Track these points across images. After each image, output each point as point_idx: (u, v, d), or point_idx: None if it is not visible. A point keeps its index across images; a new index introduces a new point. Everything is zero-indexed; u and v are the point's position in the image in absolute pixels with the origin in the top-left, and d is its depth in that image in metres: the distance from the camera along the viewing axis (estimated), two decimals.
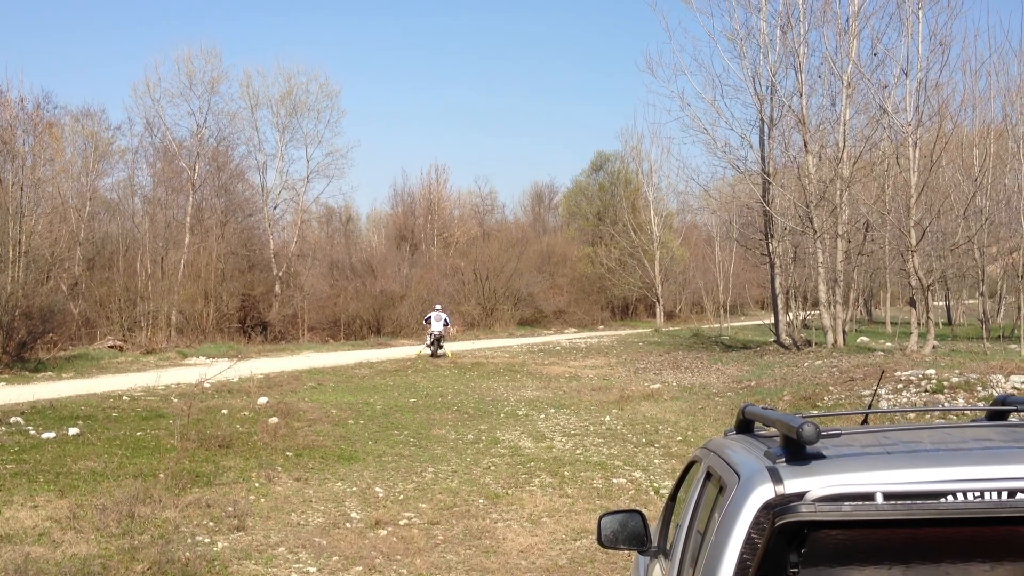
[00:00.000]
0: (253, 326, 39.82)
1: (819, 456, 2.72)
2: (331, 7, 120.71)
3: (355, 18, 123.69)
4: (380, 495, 10.40)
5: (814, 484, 2.54)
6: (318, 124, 51.60)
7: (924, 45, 24.76)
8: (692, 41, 66.82)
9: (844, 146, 26.93)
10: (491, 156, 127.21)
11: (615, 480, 11.49)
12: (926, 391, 15.64)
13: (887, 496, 2.43)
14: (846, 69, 26.91)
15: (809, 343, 28.35)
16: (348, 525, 9.09)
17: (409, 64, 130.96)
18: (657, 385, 21.80)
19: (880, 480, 2.55)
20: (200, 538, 8.30)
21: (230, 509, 9.15)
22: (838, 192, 26.85)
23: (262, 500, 9.83)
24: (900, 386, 16.25)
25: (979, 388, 15.14)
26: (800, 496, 2.50)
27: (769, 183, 29.05)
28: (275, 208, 50.22)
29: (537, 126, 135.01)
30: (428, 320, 31.38)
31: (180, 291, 36.55)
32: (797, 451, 2.71)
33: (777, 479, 2.61)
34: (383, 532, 8.87)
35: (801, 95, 27.95)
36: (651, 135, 68.52)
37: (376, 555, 8.12)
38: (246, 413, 15.22)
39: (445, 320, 31.18)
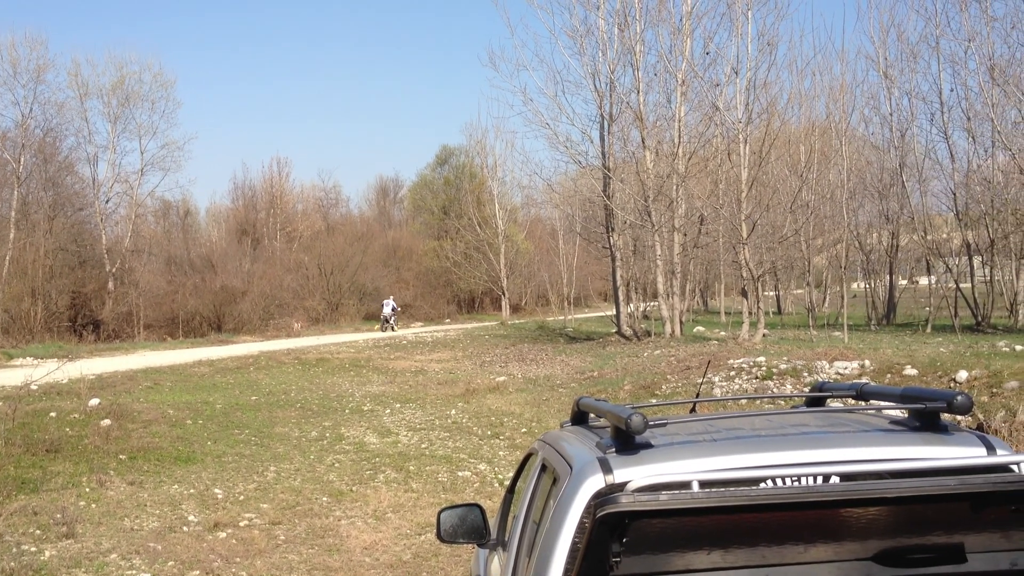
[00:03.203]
0: (85, 325, 38.03)
1: (648, 445, 2.79)
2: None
3: (188, 11, 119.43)
4: (219, 496, 10.15)
5: (641, 473, 2.61)
6: (152, 115, 49.81)
7: (753, 45, 25.83)
8: (534, 37, 68.01)
9: (680, 142, 27.79)
10: (335, 150, 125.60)
11: (460, 473, 11.56)
12: (757, 378, 16.34)
13: (705, 484, 2.49)
14: (680, 67, 27.76)
15: (649, 333, 29.14)
16: (185, 529, 8.83)
17: (247, 57, 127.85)
18: (503, 378, 22.00)
19: (700, 467, 2.63)
20: (26, 547, 7.92)
21: (58, 516, 8.75)
22: (674, 187, 27.69)
23: (93, 506, 9.44)
24: (733, 373, 16.92)
25: (805, 374, 15.90)
26: (625, 486, 2.57)
27: (610, 178, 29.70)
28: (107, 202, 48.07)
29: (381, 120, 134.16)
30: (382, 306, 43.35)
31: (5, 289, 34.62)
32: (627, 441, 2.78)
33: (607, 469, 2.68)
34: (222, 534, 8.66)
35: (639, 92, 28.67)
36: (495, 129, 69.48)
37: (214, 558, 7.92)
38: (76, 416, 14.51)
39: (393, 306, 43.35)
